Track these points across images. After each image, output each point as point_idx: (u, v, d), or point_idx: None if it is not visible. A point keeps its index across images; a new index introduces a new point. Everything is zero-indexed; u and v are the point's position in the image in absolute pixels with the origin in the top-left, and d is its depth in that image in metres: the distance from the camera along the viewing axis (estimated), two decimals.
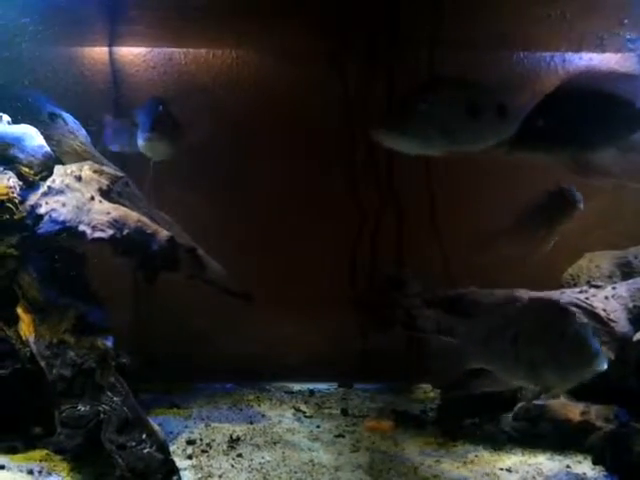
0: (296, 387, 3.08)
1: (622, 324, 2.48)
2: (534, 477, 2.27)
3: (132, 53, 3.04)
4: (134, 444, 2.08)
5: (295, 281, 3.01)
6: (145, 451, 2.07)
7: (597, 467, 2.29)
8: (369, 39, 2.85)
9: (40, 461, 2.24)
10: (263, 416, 2.77)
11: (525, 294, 2.41)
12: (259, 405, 2.90)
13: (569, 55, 3.07)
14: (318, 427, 2.68)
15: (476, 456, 2.41)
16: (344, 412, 2.83)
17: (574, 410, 2.43)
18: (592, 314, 2.45)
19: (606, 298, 2.49)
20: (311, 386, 3.09)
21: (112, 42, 2.99)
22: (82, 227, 2.28)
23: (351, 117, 2.93)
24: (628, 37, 2.72)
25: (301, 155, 3.03)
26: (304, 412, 2.83)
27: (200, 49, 3.05)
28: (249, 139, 3.00)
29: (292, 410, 2.85)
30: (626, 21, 2.46)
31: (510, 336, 1.97)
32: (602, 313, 2.48)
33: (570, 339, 1.91)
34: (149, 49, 3.04)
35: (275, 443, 2.50)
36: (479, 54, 2.93)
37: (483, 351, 2.07)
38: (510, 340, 1.97)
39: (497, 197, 3.03)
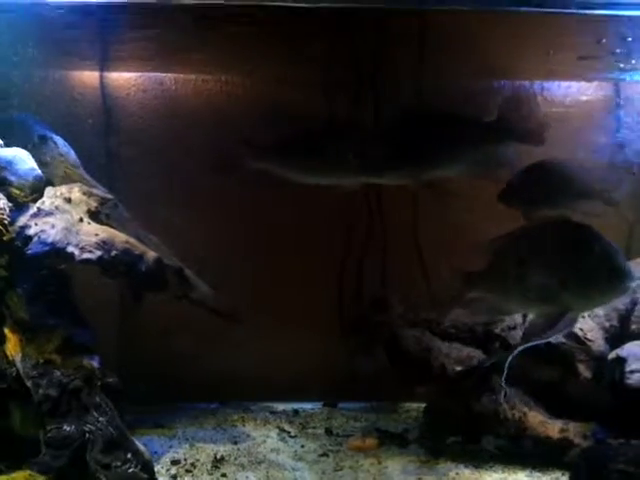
0: (280, 407, 3.11)
1: (599, 343, 2.56)
2: None
3: (123, 77, 3.11)
4: (119, 464, 2.10)
5: (280, 300, 3.05)
6: (130, 471, 2.09)
7: None
8: (357, 69, 2.95)
9: None
10: (247, 436, 2.79)
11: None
12: (243, 425, 2.92)
13: (548, 84, 3.19)
14: (302, 447, 2.70)
15: (457, 474, 2.44)
16: (328, 431, 2.86)
17: (553, 427, 2.48)
18: (570, 333, 2.52)
19: (583, 317, 2.56)
20: (295, 406, 3.12)
21: (103, 66, 3.06)
22: (70, 248, 2.31)
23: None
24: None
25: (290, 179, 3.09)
26: (288, 432, 2.85)
27: (190, 74, 3.13)
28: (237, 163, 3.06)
29: (276, 430, 2.87)
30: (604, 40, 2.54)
31: (515, 260, 1.88)
32: (579, 332, 2.55)
33: (599, 255, 1.79)
34: (139, 74, 3.11)
35: (259, 463, 2.52)
36: (462, 83, 3.03)
37: (484, 279, 1.99)
38: (515, 264, 1.88)
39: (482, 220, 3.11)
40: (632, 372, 2.30)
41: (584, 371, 2.53)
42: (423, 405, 2.81)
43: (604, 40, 2.44)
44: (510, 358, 2.23)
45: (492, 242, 2.11)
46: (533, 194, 2.41)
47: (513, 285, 1.95)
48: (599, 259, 1.84)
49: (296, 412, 3.07)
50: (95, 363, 2.31)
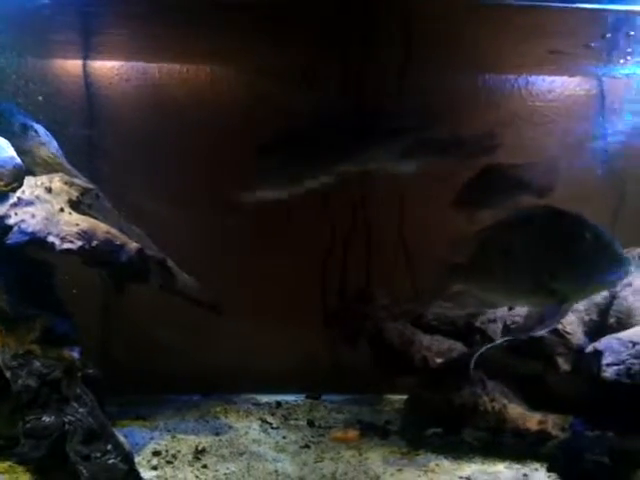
0: (263, 399, 3.11)
1: (578, 336, 2.59)
2: None
3: (106, 66, 3.08)
4: (99, 455, 2.09)
5: (264, 293, 3.05)
6: (110, 462, 2.08)
7: (552, 475, 2.37)
8: (342, 59, 2.94)
9: (2, 472, 2.23)
10: (229, 427, 2.79)
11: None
12: (226, 417, 2.91)
13: (532, 77, 3.21)
14: (284, 438, 2.71)
15: (437, 465, 2.47)
16: (310, 423, 2.86)
17: (532, 420, 2.51)
18: None
19: None
20: (278, 398, 3.12)
21: (86, 55, 3.03)
22: (51, 238, 2.29)
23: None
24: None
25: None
26: (270, 423, 2.86)
27: (174, 64, 3.11)
28: (221, 153, 3.05)
29: (259, 421, 2.87)
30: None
31: (501, 251, 1.83)
32: (559, 326, 2.58)
33: (593, 243, 1.74)
34: (123, 63, 3.08)
35: (241, 454, 2.53)
36: (448, 74, 3.04)
37: (470, 271, 1.95)
38: (502, 255, 1.82)
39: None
40: (609, 365, 2.32)
41: (563, 364, 2.56)
42: (405, 397, 2.83)
43: (609, 35, 2.43)
44: (483, 350, 2.25)
45: (478, 233, 2.11)
46: (475, 198, 2.51)
47: (499, 277, 1.93)
48: (593, 246, 1.79)
49: (279, 404, 3.08)
50: (75, 354, 2.30)
